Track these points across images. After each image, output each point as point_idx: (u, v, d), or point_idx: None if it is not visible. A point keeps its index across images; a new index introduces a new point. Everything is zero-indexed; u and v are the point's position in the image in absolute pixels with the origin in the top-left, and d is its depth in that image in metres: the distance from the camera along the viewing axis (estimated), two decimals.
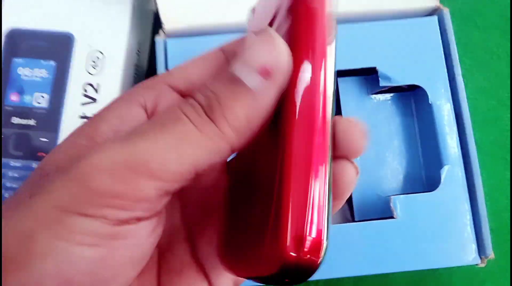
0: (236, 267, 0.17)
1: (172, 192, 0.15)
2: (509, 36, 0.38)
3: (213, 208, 0.20)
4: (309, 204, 0.14)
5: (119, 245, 0.15)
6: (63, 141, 0.18)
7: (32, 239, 0.14)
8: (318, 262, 0.14)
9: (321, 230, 0.14)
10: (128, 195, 0.14)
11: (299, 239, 0.13)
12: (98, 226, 0.14)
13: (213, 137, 0.15)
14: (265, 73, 0.14)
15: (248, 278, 0.16)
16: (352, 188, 0.18)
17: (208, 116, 0.15)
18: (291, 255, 0.13)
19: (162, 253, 0.19)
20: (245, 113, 0.15)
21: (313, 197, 0.14)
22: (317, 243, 0.13)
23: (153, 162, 0.14)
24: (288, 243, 0.13)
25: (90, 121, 0.18)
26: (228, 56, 0.19)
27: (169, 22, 0.33)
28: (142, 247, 0.16)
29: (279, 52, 0.14)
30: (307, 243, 0.13)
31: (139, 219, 0.15)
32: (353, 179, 0.18)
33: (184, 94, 0.19)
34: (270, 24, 0.17)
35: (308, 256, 0.13)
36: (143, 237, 0.16)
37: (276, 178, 0.14)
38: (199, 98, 0.15)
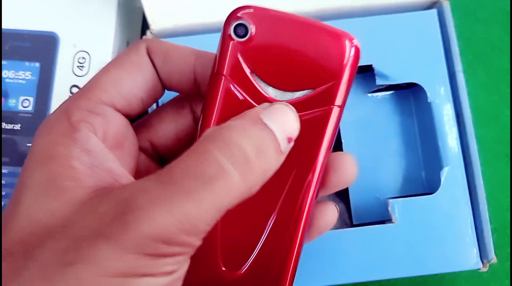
0: None
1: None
2: (511, 30, 0.36)
3: None
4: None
5: None
6: (35, 169, 0.17)
7: None
8: None
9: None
10: (181, 252, 0.16)
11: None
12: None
13: (249, 182, 0.16)
14: (290, 140, 0.18)
15: None
16: (329, 228, 0.22)
17: (249, 163, 0.16)
18: None
19: None
20: (271, 167, 0.17)
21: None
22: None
23: (201, 223, 0.16)
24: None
25: (50, 158, 0.17)
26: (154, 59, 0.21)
27: (155, 22, 0.32)
28: None
29: (298, 124, 0.18)
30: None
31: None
32: (333, 221, 0.22)
33: (122, 112, 0.20)
34: None
35: None
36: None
37: None
38: (245, 147, 0.16)
